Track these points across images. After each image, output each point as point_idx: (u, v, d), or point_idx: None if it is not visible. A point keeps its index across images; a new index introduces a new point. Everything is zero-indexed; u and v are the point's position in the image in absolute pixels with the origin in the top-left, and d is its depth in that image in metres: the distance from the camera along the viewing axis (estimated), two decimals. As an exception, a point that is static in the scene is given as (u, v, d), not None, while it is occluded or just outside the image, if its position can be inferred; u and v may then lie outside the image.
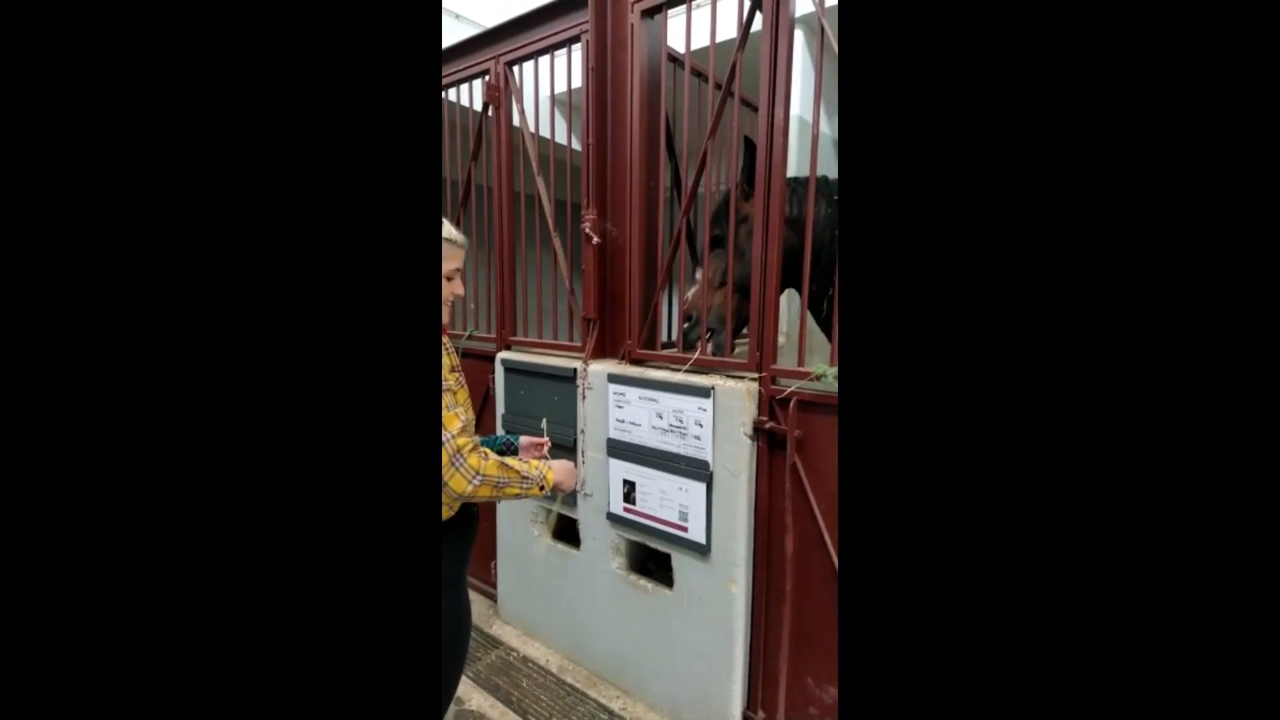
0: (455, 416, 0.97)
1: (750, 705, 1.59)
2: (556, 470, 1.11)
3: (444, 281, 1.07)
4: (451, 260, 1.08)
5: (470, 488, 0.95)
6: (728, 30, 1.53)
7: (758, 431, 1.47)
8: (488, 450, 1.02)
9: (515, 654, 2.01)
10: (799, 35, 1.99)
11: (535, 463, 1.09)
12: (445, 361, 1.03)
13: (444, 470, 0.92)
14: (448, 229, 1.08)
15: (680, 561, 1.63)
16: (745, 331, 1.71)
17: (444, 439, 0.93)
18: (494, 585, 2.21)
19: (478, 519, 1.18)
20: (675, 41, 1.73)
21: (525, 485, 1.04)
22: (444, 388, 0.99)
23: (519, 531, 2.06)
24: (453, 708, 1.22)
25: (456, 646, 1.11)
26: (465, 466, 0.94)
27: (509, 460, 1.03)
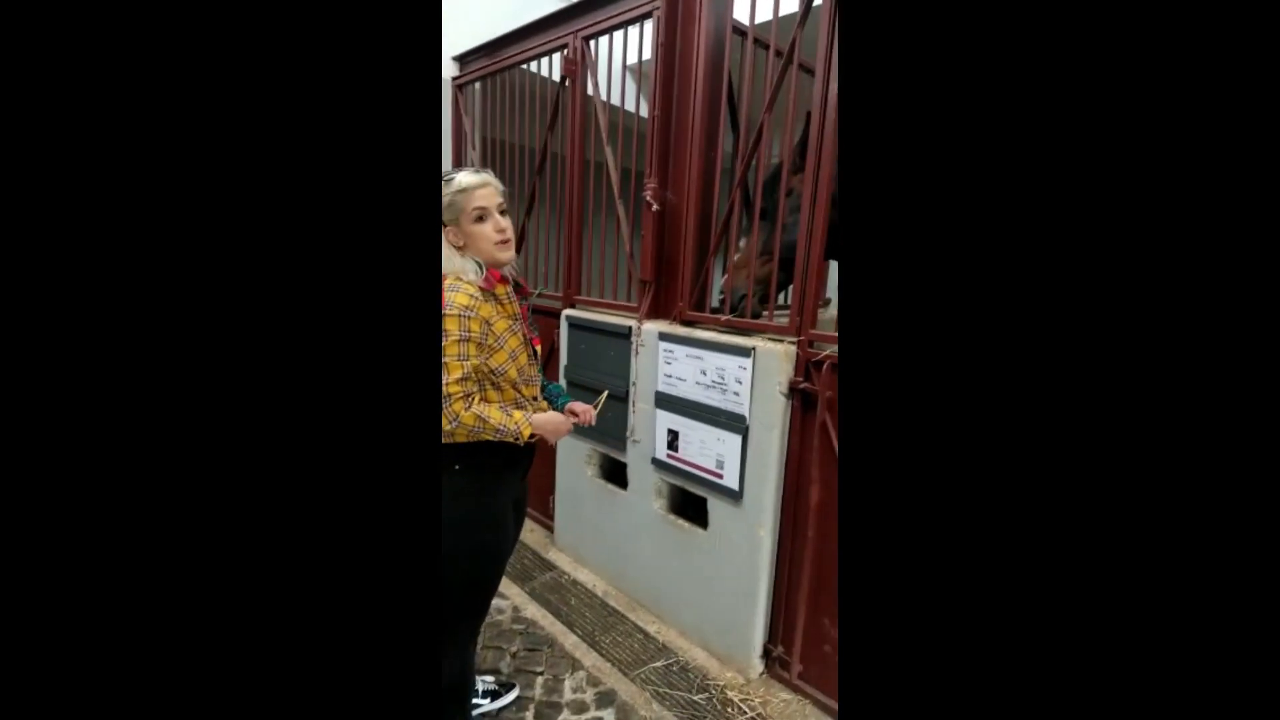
0: (459, 366, 1.09)
1: (771, 639, 1.74)
2: (538, 423, 1.20)
3: (478, 221, 1.15)
4: (479, 199, 1.15)
5: (449, 426, 1.10)
6: (791, 4, 1.59)
7: (793, 391, 1.59)
8: (476, 397, 1.15)
9: (566, 577, 2.27)
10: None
11: (518, 415, 1.18)
12: (489, 310, 1.14)
13: (446, 407, 1.09)
14: (466, 174, 1.15)
15: (715, 505, 1.79)
16: (787, 299, 1.80)
17: (450, 393, 1.08)
18: (551, 518, 2.47)
19: (531, 454, 1.30)
20: (741, 14, 1.79)
21: (499, 435, 1.14)
22: (464, 336, 1.09)
23: (574, 473, 2.29)
24: (505, 606, 1.43)
25: (497, 550, 1.26)
26: (448, 410, 1.09)
27: (490, 412, 1.14)
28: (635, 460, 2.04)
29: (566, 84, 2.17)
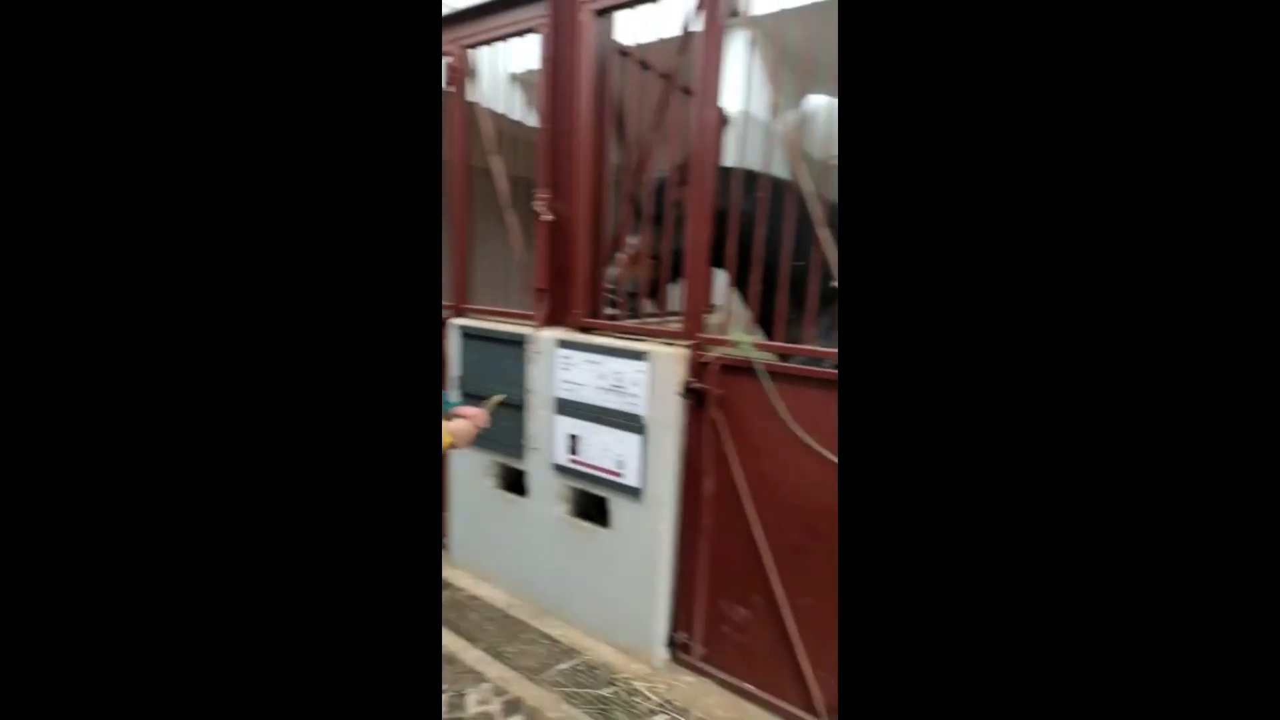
0: None
1: (674, 626, 1.84)
2: (456, 433, 1.27)
3: None
4: None
5: None
6: (673, 28, 1.71)
7: (686, 390, 1.70)
8: None
9: (464, 593, 2.20)
10: (740, 34, 2.19)
11: (453, 424, 1.25)
12: None
13: None
14: None
15: (616, 504, 1.86)
16: (677, 303, 1.93)
17: None
18: (444, 534, 2.38)
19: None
20: (623, 34, 1.89)
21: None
22: None
23: (469, 485, 2.24)
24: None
25: None
26: None
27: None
28: (535, 467, 2.04)
29: (450, 90, 2.13)
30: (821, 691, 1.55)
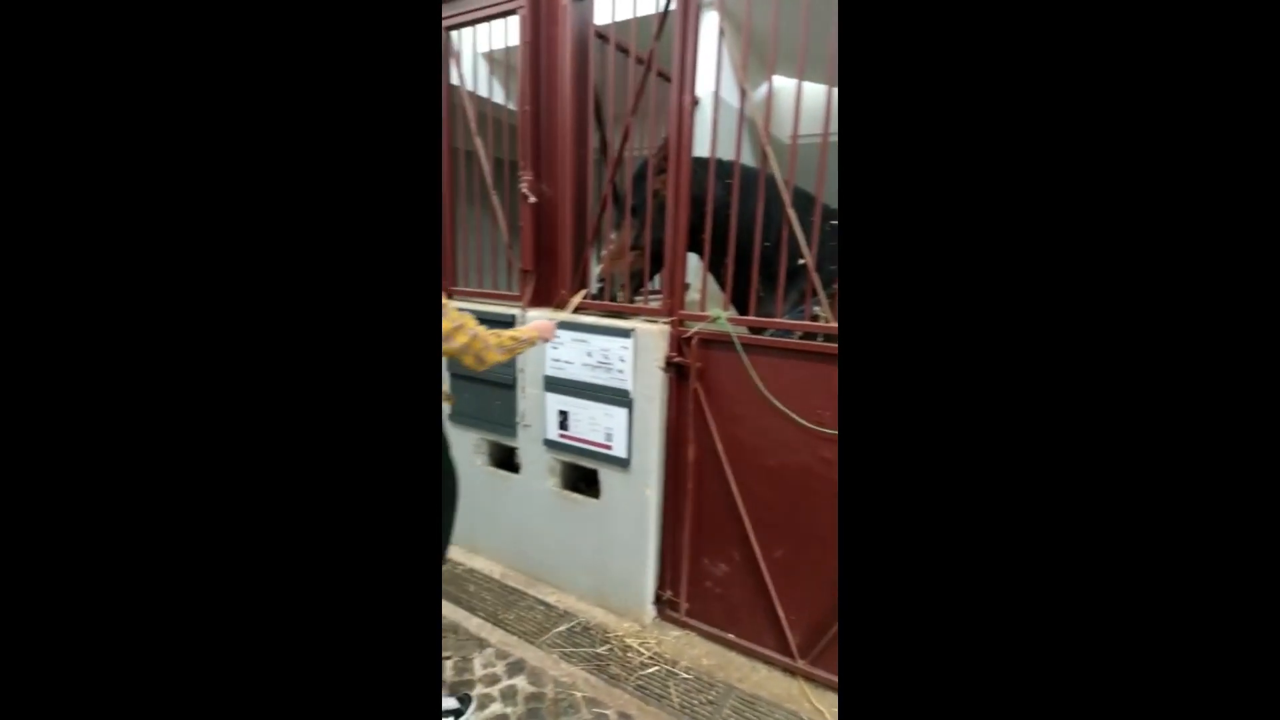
0: (465, 315, 1.29)
1: (661, 585, 1.97)
2: (541, 329, 1.52)
3: None
4: None
5: (502, 356, 1.36)
6: (649, 7, 1.76)
7: (669, 364, 1.79)
8: (498, 330, 1.40)
9: (461, 567, 2.29)
10: (713, 17, 2.23)
11: (526, 329, 1.47)
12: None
13: (485, 350, 1.31)
14: None
15: (606, 475, 1.95)
16: (657, 285, 2.01)
17: (475, 333, 1.29)
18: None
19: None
20: (602, 18, 1.93)
21: (528, 345, 1.45)
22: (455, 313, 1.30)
23: (461, 463, 2.31)
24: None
25: (452, 494, 1.42)
26: (488, 351, 1.32)
27: (512, 333, 1.40)
28: (526, 444, 2.13)
29: (429, 72, 2.14)
30: (794, 634, 1.69)
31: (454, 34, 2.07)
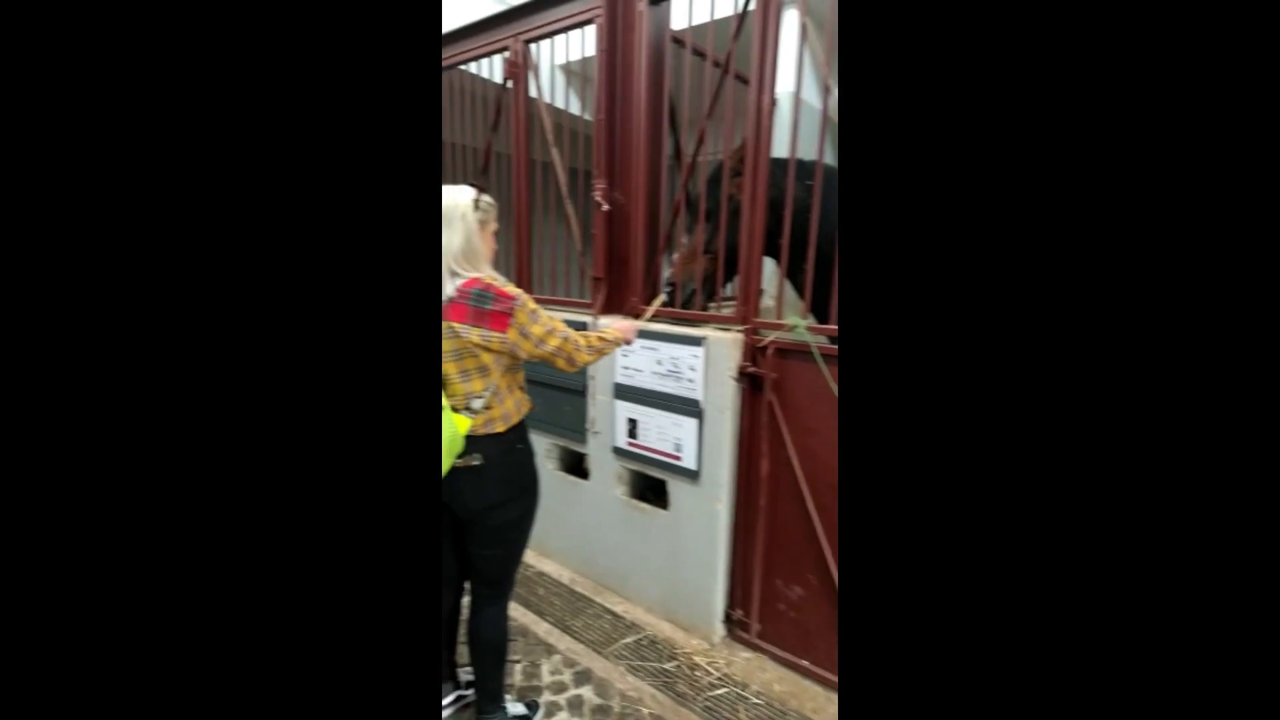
0: (556, 322, 1.30)
1: (730, 604, 1.89)
2: (624, 330, 1.52)
3: (494, 237, 1.35)
4: (494, 222, 1.35)
5: (592, 357, 1.38)
6: (727, 8, 1.71)
7: (741, 375, 1.73)
8: (585, 332, 1.42)
9: (532, 569, 2.33)
10: (793, 16, 2.15)
11: (611, 330, 1.48)
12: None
13: (577, 352, 1.32)
14: (488, 197, 1.32)
15: (674, 486, 1.91)
16: (730, 291, 1.95)
17: (566, 335, 1.30)
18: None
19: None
20: (678, 23, 1.90)
21: (615, 347, 1.45)
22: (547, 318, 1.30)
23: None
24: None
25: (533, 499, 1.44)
26: (579, 353, 1.34)
27: (599, 335, 1.43)
28: (596, 450, 2.13)
29: (509, 85, 2.21)
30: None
31: (532, 47, 2.12)
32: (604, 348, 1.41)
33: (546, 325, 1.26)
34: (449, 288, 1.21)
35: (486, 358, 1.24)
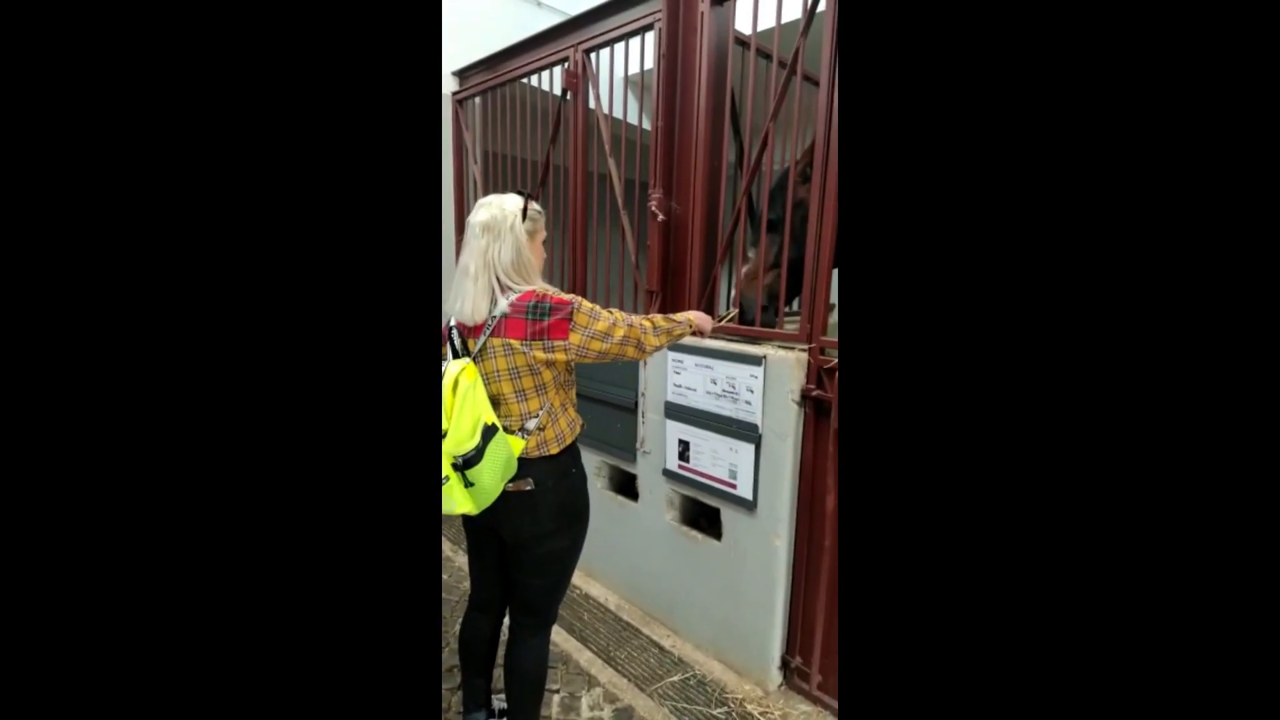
0: (617, 313, 1.23)
1: (788, 649, 1.72)
2: (696, 318, 1.40)
3: (543, 244, 1.29)
4: (544, 227, 1.29)
5: (660, 340, 1.28)
6: (793, 12, 1.60)
7: (805, 398, 1.58)
8: (653, 314, 1.37)
9: (578, 591, 2.24)
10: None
11: (681, 314, 1.37)
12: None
13: (645, 336, 1.23)
14: (536, 205, 1.26)
15: (729, 515, 1.77)
16: (796, 306, 1.80)
17: (630, 321, 1.22)
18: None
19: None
20: (742, 24, 1.80)
21: (683, 332, 1.34)
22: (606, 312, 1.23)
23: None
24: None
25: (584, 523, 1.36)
26: (653, 330, 1.26)
27: (672, 316, 1.33)
28: (645, 471, 2.02)
29: (568, 97, 2.18)
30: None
31: (591, 56, 2.09)
32: (673, 328, 1.31)
33: (609, 318, 1.19)
34: (502, 304, 1.15)
35: (547, 375, 1.18)
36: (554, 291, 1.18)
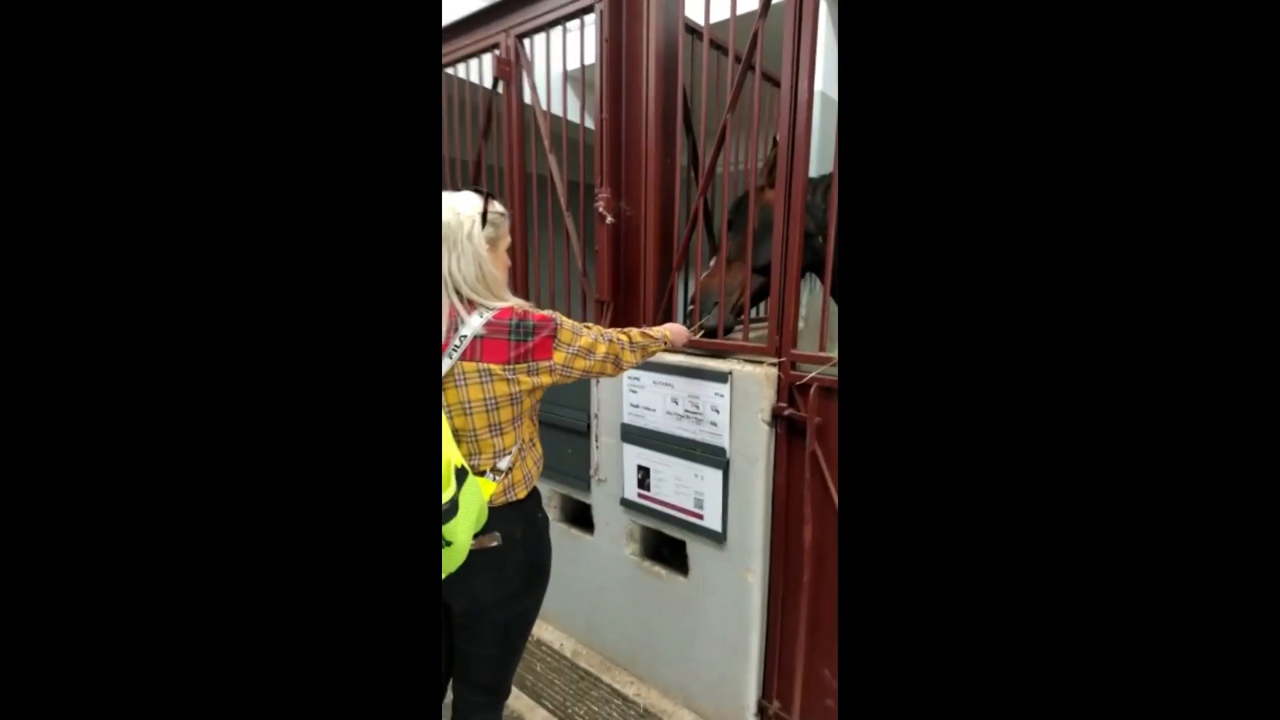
0: (595, 329, 1.13)
1: (765, 694, 1.57)
2: (675, 332, 1.35)
3: (507, 252, 1.11)
4: (507, 236, 1.11)
5: (636, 356, 1.21)
6: (750, 3, 1.46)
7: (776, 418, 1.43)
8: (629, 329, 1.25)
9: (530, 638, 2.01)
10: (823, 4, 1.90)
11: (658, 329, 1.30)
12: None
13: (623, 352, 1.16)
14: (498, 204, 1.07)
15: (695, 549, 1.61)
16: (763, 313, 1.66)
17: (611, 338, 1.13)
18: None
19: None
20: (693, 12, 1.65)
21: (660, 346, 1.28)
22: (584, 326, 1.12)
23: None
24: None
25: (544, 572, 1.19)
26: (630, 346, 1.18)
27: (644, 331, 1.25)
28: (601, 501, 1.83)
29: (500, 88, 1.96)
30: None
31: (525, 42, 1.88)
32: (649, 344, 1.24)
33: (590, 334, 1.07)
34: (474, 322, 0.95)
35: (527, 403, 1.02)
36: (529, 306, 1.03)
